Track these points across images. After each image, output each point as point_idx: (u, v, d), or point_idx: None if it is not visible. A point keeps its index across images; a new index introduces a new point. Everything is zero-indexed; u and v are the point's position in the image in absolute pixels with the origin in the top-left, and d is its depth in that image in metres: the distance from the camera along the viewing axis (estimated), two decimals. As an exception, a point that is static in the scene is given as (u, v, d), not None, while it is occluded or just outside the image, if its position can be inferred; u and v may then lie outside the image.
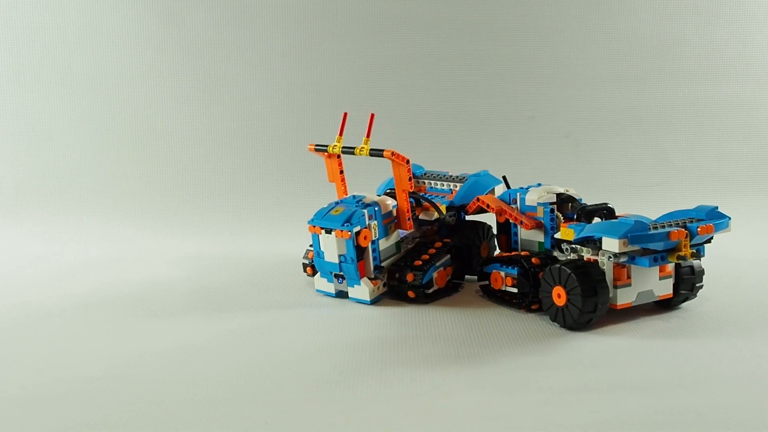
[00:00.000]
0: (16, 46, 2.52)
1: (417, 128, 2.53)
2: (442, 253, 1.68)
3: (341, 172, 1.78)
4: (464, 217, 1.82)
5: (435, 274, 1.65)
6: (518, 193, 1.67)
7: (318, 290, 1.72)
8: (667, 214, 1.53)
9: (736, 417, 1.10)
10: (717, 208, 1.51)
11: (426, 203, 1.77)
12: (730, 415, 1.10)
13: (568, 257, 1.53)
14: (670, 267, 1.53)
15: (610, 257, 1.44)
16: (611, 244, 1.41)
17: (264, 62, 2.54)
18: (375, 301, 1.65)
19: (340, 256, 1.61)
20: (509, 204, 1.69)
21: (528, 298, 1.56)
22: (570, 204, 1.62)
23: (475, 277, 1.71)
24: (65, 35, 2.53)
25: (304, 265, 1.81)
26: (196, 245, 2.19)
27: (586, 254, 1.49)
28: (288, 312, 1.62)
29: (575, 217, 1.57)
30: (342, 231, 1.57)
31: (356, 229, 1.59)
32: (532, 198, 1.64)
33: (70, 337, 1.49)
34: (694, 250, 1.45)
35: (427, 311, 1.61)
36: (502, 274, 1.62)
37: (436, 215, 1.76)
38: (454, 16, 2.54)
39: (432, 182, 1.88)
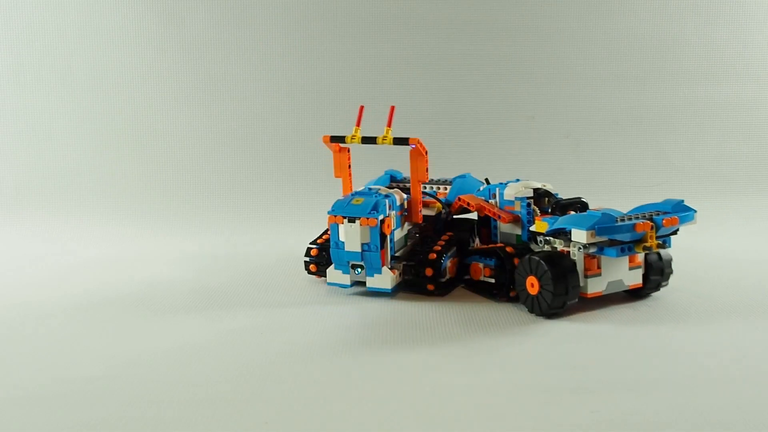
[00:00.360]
0: (16, 46, 2.52)
1: (417, 128, 2.51)
2: (451, 245, 1.72)
3: (349, 166, 1.80)
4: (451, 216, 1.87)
5: (448, 263, 1.70)
6: (497, 189, 1.73)
7: (330, 283, 1.71)
8: (637, 208, 1.60)
9: (736, 414, 1.10)
10: (683, 201, 1.60)
11: (429, 198, 1.81)
12: (730, 415, 1.10)
13: (543, 248, 1.59)
14: (640, 258, 1.59)
15: (580, 248, 1.51)
16: (579, 236, 1.48)
17: (264, 62, 2.54)
18: (394, 291, 1.68)
19: (363, 245, 1.63)
20: (488, 199, 1.75)
21: (506, 287, 1.63)
22: (546, 198, 1.69)
23: None
24: (65, 35, 2.53)
25: (306, 263, 1.81)
26: (196, 245, 2.19)
27: (559, 245, 1.56)
28: (288, 312, 1.62)
29: (549, 210, 1.66)
30: (369, 219, 1.61)
31: (381, 217, 1.63)
32: (509, 193, 1.70)
33: (70, 337, 1.49)
34: (660, 241, 1.52)
35: (426, 310, 1.61)
36: (481, 265, 1.69)
37: (437, 209, 1.80)
38: (454, 16, 2.54)
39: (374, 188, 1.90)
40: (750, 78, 2.52)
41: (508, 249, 1.65)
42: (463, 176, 1.89)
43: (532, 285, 1.53)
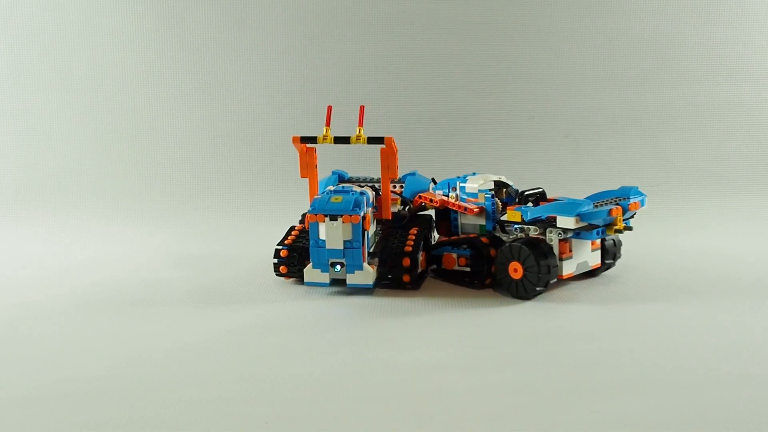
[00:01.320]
0: (16, 46, 2.53)
1: (417, 128, 2.53)
2: (420, 239, 1.76)
3: (315, 166, 1.82)
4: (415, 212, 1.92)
5: (420, 257, 1.74)
6: (458, 182, 1.80)
7: (308, 283, 1.71)
8: (593, 195, 1.73)
9: (736, 414, 1.10)
10: (638, 188, 1.74)
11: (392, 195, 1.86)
12: (731, 415, 1.10)
13: (517, 236, 1.70)
14: (598, 241, 1.75)
15: (560, 233, 1.63)
16: (568, 222, 1.58)
17: (264, 62, 2.54)
18: (374, 286, 1.70)
19: (345, 242, 1.65)
20: (447, 194, 1.82)
21: (482, 275, 1.71)
22: (504, 189, 1.79)
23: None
24: (65, 35, 2.53)
25: (276, 265, 1.78)
26: (196, 245, 2.20)
27: (533, 232, 1.67)
28: (288, 311, 1.62)
29: (517, 201, 1.76)
30: (352, 216, 1.64)
31: (363, 213, 1.65)
32: (473, 186, 1.78)
33: (70, 337, 1.49)
34: (625, 224, 1.65)
35: (426, 309, 1.61)
36: (455, 255, 1.76)
37: (399, 207, 1.86)
38: (454, 16, 2.54)
39: (360, 185, 1.91)
40: (750, 78, 2.52)
41: (484, 240, 1.72)
42: (412, 174, 1.94)
43: (516, 270, 1.63)
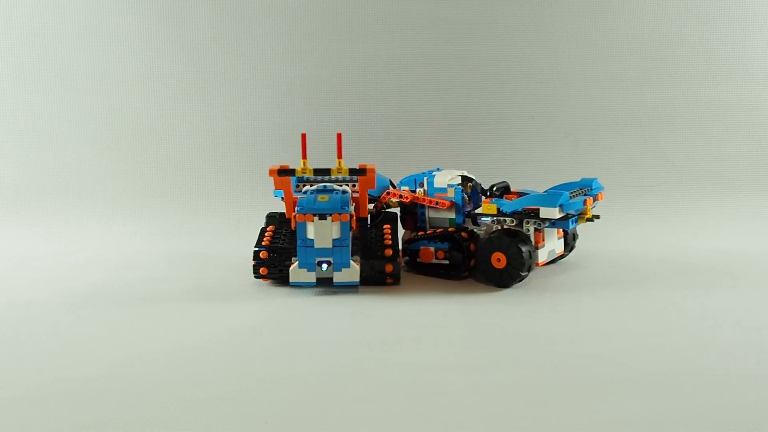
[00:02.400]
0: (16, 46, 2.53)
1: (417, 128, 2.53)
2: (395, 234, 1.80)
3: (290, 181, 1.82)
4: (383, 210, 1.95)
5: (399, 250, 1.79)
6: (425, 178, 1.86)
7: (294, 283, 1.71)
8: (556, 186, 1.81)
9: (736, 414, 1.10)
10: (597, 179, 1.86)
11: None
12: (731, 415, 1.10)
13: (493, 228, 1.77)
14: (561, 230, 1.86)
15: (537, 224, 1.71)
16: (551, 213, 1.67)
17: (264, 62, 2.54)
18: (361, 283, 1.72)
19: (334, 240, 1.66)
20: (414, 189, 1.87)
21: (461, 267, 1.78)
22: (469, 183, 1.86)
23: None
24: (65, 35, 2.53)
25: (256, 267, 1.77)
26: (196, 245, 2.20)
27: (509, 224, 1.75)
28: (288, 311, 1.62)
29: (488, 194, 1.84)
30: (341, 214, 1.66)
31: (351, 211, 1.69)
32: (442, 180, 1.83)
33: (70, 337, 1.49)
34: (593, 214, 1.75)
35: (426, 309, 1.61)
36: (432, 248, 1.82)
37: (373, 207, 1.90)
38: (454, 16, 2.54)
39: (313, 185, 1.91)
40: (750, 78, 2.52)
41: (463, 234, 1.78)
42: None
43: (499, 260, 1.71)
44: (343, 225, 1.67)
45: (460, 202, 1.82)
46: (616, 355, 1.34)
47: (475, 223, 1.84)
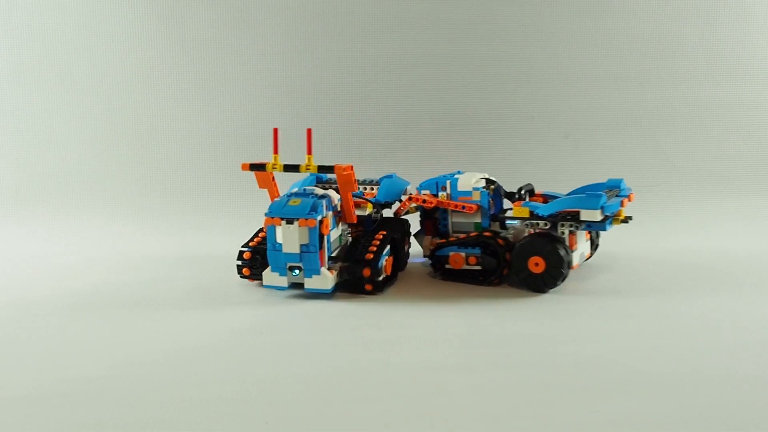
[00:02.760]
0: (16, 46, 2.52)
1: (416, 128, 2.53)
2: (385, 243, 1.74)
3: (273, 179, 1.82)
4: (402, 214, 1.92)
5: (384, 262, 1.72)
6: (447, 181, 1.80)
7: (267, 286, 1.71)
8: (581, 188, 1.79)
9: (736, 414, 1.10)
10: (623, 180, 1.83)
11: (360, 199, 1.83)
12: (731, 415, 1.10)
13: (529, 231, 1.73)
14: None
15: (572, 226, 1.67)
16: (593, 215, 1.63)
17: (264, 62, 2.54)
18: (333, 291, 1.68)
19: (302, 246, 1.63)
20: (437, 191, 1.82)
21: (496, 274, 1.73)
22: (491, 186, 1.81)
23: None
24: (65, 35, 2.53)
25: (239, 267, 1.79)
26: (196, 245, 2.19)
27: (542, 227, 1.70)
28: (288, 311, 1.62)
29: (518, 197, 1.79)
30: (308, 219, 1.61)
31: (320, 217, 1.63)
32: (466, 183, 1.79)
33: (70, 337, 1.49)
34: (626, 215, 1.73)
35: (427, 309, 1.61)
36: (463, 254, 1.75)
37: (369, 210, 1.82)
38: (455, 16, 2.54)
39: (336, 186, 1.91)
40: (750, 78, 2.52)
41: (500, 241, 1.73)
42: (389, 176, 1.92)
43: (537, 264, 1.65)
44: (311, 231, 1.62)
45: (486, 205, 1.78)
46: (616, 355, 1.34)
47: (503, 227, 1.79)
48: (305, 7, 2.53)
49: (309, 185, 1.91)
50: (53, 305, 1.68)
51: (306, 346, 1.42)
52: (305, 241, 1.63)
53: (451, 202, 1.79)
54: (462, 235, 1.78)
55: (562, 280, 1.67)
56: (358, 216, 1.78)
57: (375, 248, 1.70)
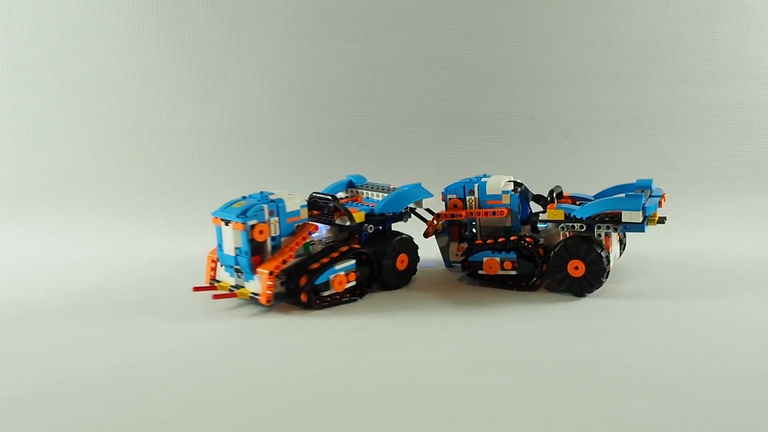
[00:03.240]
0: (16, 46, 2.53)
1: (416, 128, 2.53)
2: (345, 258, 1.66)
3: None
4: (390, 227, 1.82)
5: (332, 277, 1.63)
6: (475, 185, 1.76)
7: (214, 281, 1.72)
8: (610, 189, 1.78)
9: (736, 414, 1.10)
10: (653, 180, 1.79)
11: (340, 211, 1.74)
12: (731, 415, 1.10)
13: (564, 234, 1.68)
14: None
15: (614, 229, 1.63)
16: (635, 216, 1.60)
17: (264, 62, 2.54)
18: (272, 300, 1.61)
19: (236, 248, 1.61)
20: (464, 195, 1.77)
21: (533, 277, 1.69)
22: (518, 189, 1.77)
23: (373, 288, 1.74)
24: (65, 35, 2.53)
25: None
26: (196, 245, 2.19)
27: (578, 230, 1.66)
28: (288, 311, 1.62)
29: (550, 200, 1.77)
30: (237, 223, 1.58)
31: (251, 222, 1.59)
32: (495, 187, 1.75)
33: (70, 336, 1.49)
34: (660, 216, 1.69)
35: (427, 309, 1.61)
36: (498, 259, 1.70)
37: (348, 222, 1.72)
38: (455, 16, 2.54)
39: (368, 192, 1.90)
40: (750, 78, 2.52)
41: (528, 240, 1.70)
42: (415, 186, 1.83)
43: (576, 268, 1.63)
44: (242, 234, 1.59)
45: (516, 208, 1.74)
46: (616, 355, 1.34)
47: (534, 230, 1.76)
48: (305, 7, 2.53)
49: (341, 189, 1.90)
50: (53, 305, 1.68)
51: (306, 346, 1.42)
52: (239, 244, 1.60)
53: (481, 210, 1.75)
54: (490, 240, 1.73)
55: (603, 283, 1.65)
56: (346, 227, 1.72)
57: (327, 260, 1.63)
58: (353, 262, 1.67)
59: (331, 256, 1.65)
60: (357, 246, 1.70)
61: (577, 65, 2.54)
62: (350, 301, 1.68)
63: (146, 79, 2.53)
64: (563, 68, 2.54)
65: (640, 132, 2.52)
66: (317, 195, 1.79)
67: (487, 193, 1.75)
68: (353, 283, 1.68)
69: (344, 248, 1.67)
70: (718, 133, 2.50)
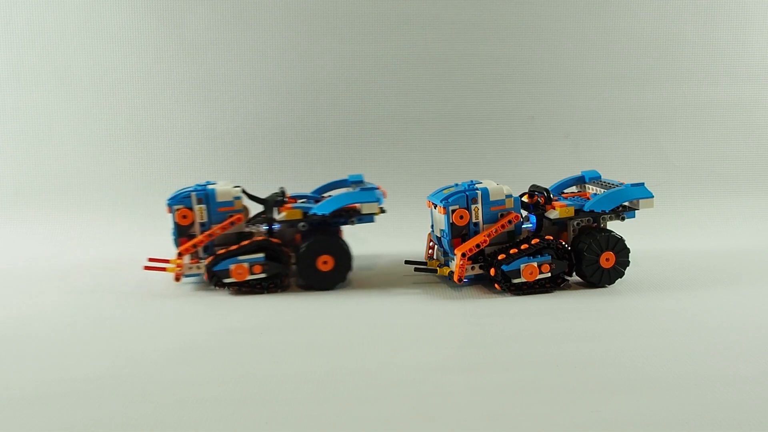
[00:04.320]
0: (16, 46, 2.53)
1: (417, 128, 2.53)
2: (252, 250, 1.74)
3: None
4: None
5: (232, 267, 1.71)
6: (478, 192, 1.71)
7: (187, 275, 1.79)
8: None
9: (736, 414, 1.10)
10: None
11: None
12: (731, 415, 1.10)
13: (575, 227, 1.76)
14: None
15: (622, 218, 1.76)
16: (648, 204, 1.74)
17: (263, 62, 2.54)
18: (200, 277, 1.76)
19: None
20: (467, 205, 1.71)
21: (562, 275, 1.73)
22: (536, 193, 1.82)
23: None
24: (65, 35, 2.53)
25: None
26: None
27: (586, 222, 1.76)
28: (288, 311, 1.62)
29: (554, 198, 1.81)
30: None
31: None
32: (498, 192, 1.72)
33: (70, 336, 1.49)
34: None
35: (426, 309, 1.61)
36: (535, 264, 1.68)
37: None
38: (455, 16, 2.54)
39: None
40: (750, 78, 2.52)
41: (548, 237, 1.72)
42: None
43: (608, 259, 1.72)
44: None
45: (520, 210, 1.74)
46: (616, 355, 1.34)
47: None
48: (305, 7, 2.53)
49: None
50: (53, 305, 1.68)
51: (306, 346, 1.42)
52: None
53: (497, 227, 1.71)
54: (514, 250, 1.70)
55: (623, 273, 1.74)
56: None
57: (236, 247, 1.72)
58: (262, 255, 1.73)
59: (242, 244, 1.73)
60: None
61: (577, 65, 2.54)
62: (253, 292, 1.74)
63: (146, 79, 2.53)
64: (563, 68, 2.54)
65: (640, 132, 2.52)
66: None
67: (491, 199, 1.71)
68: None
69: (257, 239, 1.74)
70: (718, 133, 2.51)
